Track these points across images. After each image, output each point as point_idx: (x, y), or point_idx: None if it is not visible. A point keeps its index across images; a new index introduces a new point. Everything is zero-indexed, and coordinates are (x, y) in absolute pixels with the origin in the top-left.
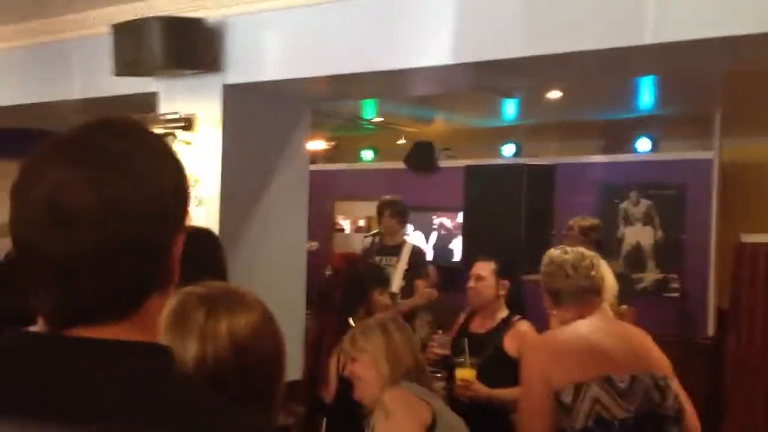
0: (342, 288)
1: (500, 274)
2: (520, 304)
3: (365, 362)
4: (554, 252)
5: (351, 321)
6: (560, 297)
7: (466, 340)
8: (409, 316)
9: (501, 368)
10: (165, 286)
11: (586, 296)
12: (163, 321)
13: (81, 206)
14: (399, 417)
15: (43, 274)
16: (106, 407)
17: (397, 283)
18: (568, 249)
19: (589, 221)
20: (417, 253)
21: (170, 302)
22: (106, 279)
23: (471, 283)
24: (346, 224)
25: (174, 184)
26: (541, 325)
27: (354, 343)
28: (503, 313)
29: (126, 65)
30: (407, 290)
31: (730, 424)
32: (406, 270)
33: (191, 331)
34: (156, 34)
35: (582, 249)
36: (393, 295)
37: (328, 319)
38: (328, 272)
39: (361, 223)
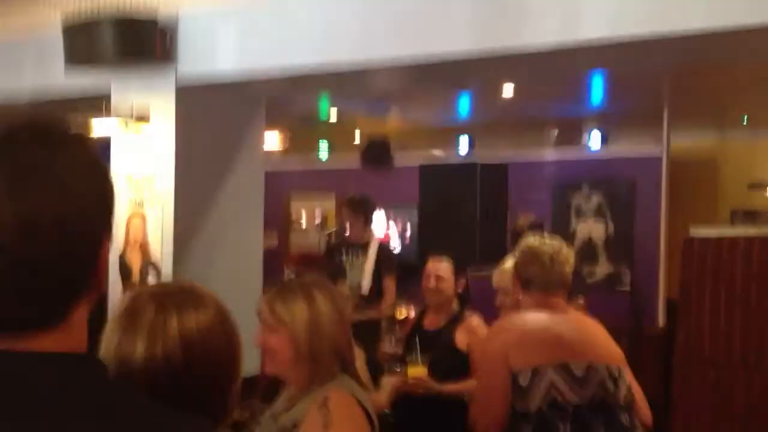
0: None
1: (457, 272)
2: (468, 298)
3: (283, 336)
4: (533, 240)
5: None
6: (530, 284)
7: (417, 337)
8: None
9: (452, 362)
10: (93, 295)
11: (554, 288)
12: (114, 318)
13: (1, 218)
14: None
15: None
16: (40, 420)
17: (366, 283)
18: (548, 239)
19: (531, 218)
20: (385, 249)
21: (122, 300)
22: (30, 290)
23: (431, 284)
24: (302, 220)
25: (98, 193)
26: (488, 318)
27: (272, 311)
28: (455, 308)
29: (78, 59)
30: (375, 290)
31: (680, 413)
32: (374, 268)
33: (141, 328)
34: (108, 28)
35: (562, 242)
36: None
37: None
38: (288, 274)
39: (318, 219)
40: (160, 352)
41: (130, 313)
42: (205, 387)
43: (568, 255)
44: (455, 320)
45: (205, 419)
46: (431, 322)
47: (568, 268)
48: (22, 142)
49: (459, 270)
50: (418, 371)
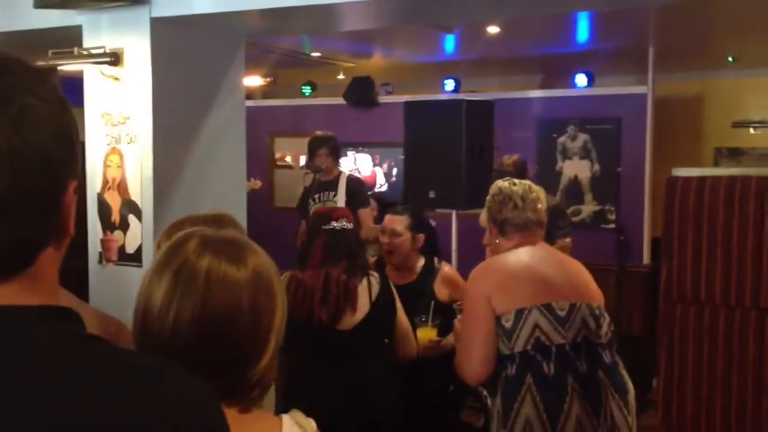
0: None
1: (414, 228)
2: (435, 250)
3: None
4: (503, 183)
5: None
6: (505, 227)
7: (433, 301)
8: None
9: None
10: (58, 238)
11: (530, 228)
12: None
13: None
14: None
15: None
16: (19, 380)
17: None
18: (516, 181)
19: (514, 158)
20: (354, 181)
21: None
22: None
23: (385, 239)
24: (290, 160)
25: (57, 129)
26: (477, 259)
27: (159, 247)
28: (421, 261)
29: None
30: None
31: (664, 350)
32: (346, 202)
33: (169, 268)
34: None
35: (529, 182)
36: None
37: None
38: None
39: (303, 159)
40: (179, 300)
41: (168, 253)
42: (214, 350)
43: (539, 193)
44: (428, 272)
45: (203, 384)
46: (395, 277)
47: (540, 205)
48: None
49: (419, 225)
50: (429, 334)
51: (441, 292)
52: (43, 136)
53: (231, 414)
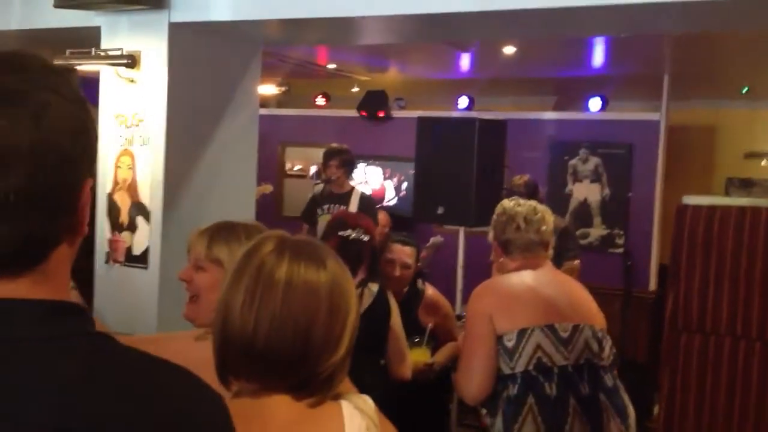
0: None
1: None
2: (421, 273)
3: (212, 276)
4: (508, 203)
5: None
6: (509, 247)
7: (431, 319)
8: None
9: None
10: (72, 236)
11: (534, 249)
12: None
13: None
14: None
15: None
16: (25, 374)
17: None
18: (521, 201)
19: (525, 178)
20: (366, 199)
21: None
22: (7, 230)
23: (396, 272)
24: (303, 169)
25: (74, 126)
26: (483, 276)
27: (209, 247)
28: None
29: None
30: None
31: (667, 378)
32: None
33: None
34: None
35: (535, 203)
36: None
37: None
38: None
39: (313, 169)
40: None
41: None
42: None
43: (543, 214)
44: (413, 296)
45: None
46: None
47: (545, 227)
48: None
49: (418, 251)
50: (423, 356)
51: (426, 320)
52: (62, 133)
53: (298, 408)
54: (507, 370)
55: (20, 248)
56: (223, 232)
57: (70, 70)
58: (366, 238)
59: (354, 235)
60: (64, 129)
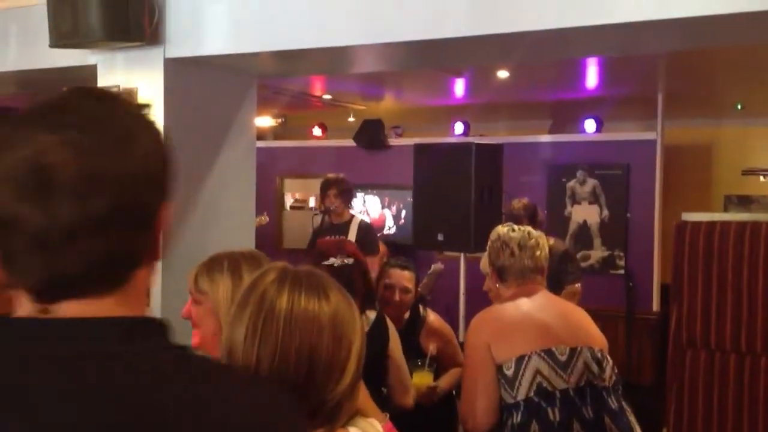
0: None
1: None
2: (421, 299)
3: (205, 307)
4: (502, 229)
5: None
6: (503, 274)
7: (433, 345)
8: None
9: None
10: (151, 257)
11: (529, 275)
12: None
13: (66, 170)
14: None
15: (20, 244)
16: (116, 388)
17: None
18: (516, 227)
19: (524, 202)
20: (365, 228)
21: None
22: (93, 249)
23: (396, 297)
24: (303, 200)
25: (156, 149)
26: (484, 302)
27: (195, 281)
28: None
29: (62, 36)
30: None
31: (673, 397)
32: None
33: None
34: (93, 4)
35: (529, 228)
36: None
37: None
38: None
39: (312, 200)
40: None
41: (250, 287)
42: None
43: (538, 239)
44: (415, 321)
45: (289, 403)
46: None
47: (539, 252)
48: (83, 100)
49: (416, 275)
50: (426, 379)
51: (428, 346)
52: (147, 158)
53: None
54: (510, 399)
55: (105, 268)
56: (208, 262)
57: (148, 105)
58: (351, 261)
59: (338, 261)
60: (147, 152)
